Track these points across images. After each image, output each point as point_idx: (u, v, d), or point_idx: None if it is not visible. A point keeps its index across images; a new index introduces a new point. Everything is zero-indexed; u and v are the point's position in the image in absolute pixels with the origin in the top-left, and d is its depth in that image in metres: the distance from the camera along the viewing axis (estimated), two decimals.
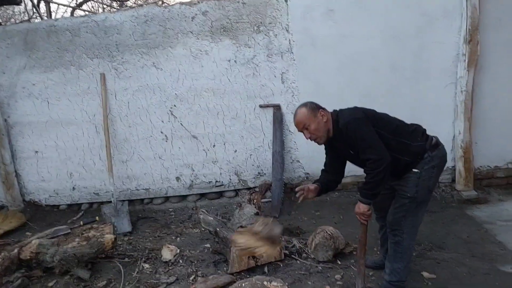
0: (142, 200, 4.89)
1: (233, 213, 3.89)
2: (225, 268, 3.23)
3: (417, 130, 2.58)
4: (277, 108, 4.59)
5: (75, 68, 4.54)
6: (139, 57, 4.51)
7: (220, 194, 4.88)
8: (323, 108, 2.58)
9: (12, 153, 4.71)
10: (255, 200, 3.75)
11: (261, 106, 4.59)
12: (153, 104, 4.61)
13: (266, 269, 3.17)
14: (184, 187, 4.85)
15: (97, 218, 4.16)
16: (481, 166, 4.54)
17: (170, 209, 4.74)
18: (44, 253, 3.16)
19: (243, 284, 2.31)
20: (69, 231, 3.32)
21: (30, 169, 4.79)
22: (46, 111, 4.63)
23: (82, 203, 4.90)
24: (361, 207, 2.44)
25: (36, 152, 4.73)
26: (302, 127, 2.55)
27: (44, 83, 4.57)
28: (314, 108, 2.54)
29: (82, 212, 4.77)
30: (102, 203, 4.73)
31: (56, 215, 4.80)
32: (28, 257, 3.16)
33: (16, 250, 3.15)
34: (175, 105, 4.62)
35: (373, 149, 2.34)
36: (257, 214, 3.53)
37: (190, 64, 4.51)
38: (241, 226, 3.26)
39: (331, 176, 2.80)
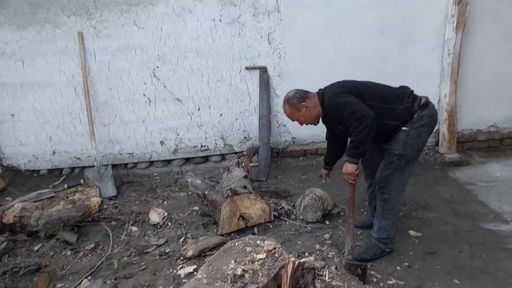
0: (125, 164, 4.80)
1: (221, 177, 3.87)
2: (214, 230, 3.23)
3: (403, 93, 2.59)
4: (263, 70, 4.49)
5: (51, 26, 4.27)
6: (118, 15, 4.27)
7: (206, 159, 4.84)
8: (306, 96, 2.64)
9: None
10: (243, 164, 3.72)
11: (247, 68, 4.48)
12: (134, 65, 4.43)
13: (256, 230, 3.19)
14: (169, 152, 4.77)
15: (82, 181, 4.05)
16: (463, 130, 4.63)
17: (155, 174, 4.67)
18: (28, 217, 3.08)
19: (236, 244, 2.30)
20: (53, 194, 3.23)
21: (7, 133, 4.58)
22: (21, 72, 4.38)
23: (63, 168, 4.76)
24: (349, 167, 2.44)
25: (13, 115, 4.52)
26: (292, 120, 2.74)
27: (17, 41, 4.29)
28: (296, 103, 2.63)
29: (64, 177, 4.64)
30: (84, 167, 4.61)
31: (37, 180, 4.65)
32: (12, 221, 3.08)
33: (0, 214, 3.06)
34: (157, 66, 4.45)
35: (356, 110, 2.37)
36: (245, 177, 3.51)
37: (173, 23, 4.31)
38: (230, 189, 3.24)
39: (335, 146, 2.94)
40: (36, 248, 3.12)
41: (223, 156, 4.80)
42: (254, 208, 3.24)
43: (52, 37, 4.31)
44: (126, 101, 4.54)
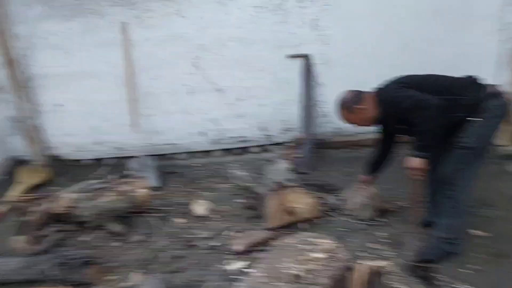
0: (165, 155, 4.80)
1: (263, 169, 3.78)
2: (260, 224, 3.16)
3: (471, 82, 2.41)
4: (307, 58, 4.33)
5: (95, 17, 4.28)
6: (161, 5, 4.22)
7: (246, 150, 4.76)
8: (361, 97, 2.52)
9: (34, 106, 4.58)
10: (288, 156, 3.62)
11: (290, 56, 4.33)
12: (176, 55, 4.37)
13: (303, 225, 3.09)
14: (209, 142, 4.73)
15: (129, 172, 4.06)
16: None
17: (196, 165, 4.64)
18: (79, 208, 3.11)
19: (290, 240, 2.22)
20: (103, 185, 3.25)
21: (52, 123, 4.66)
22: (66, 63, 4.42)
23: (105, 158, 4.82)
24: (415, 162, 2.29)
25: (58, 105, 4.59)
26: (349, 123, 2.67)
27: (63, 33, 4.33)
28: (351, 106, 2.52)
29: (106, 166, 4.70)
30: (125, 158, 4.65)
31: (80, 170, 4.71)
32: (63, 211, 3.12)
33: (51, 204, 3.10)
34: (199, 56, 4.38)
35: (420, 101, 2.24)
36: (290, 170, 3.41)
37: (215, 11, 4.22)
38: (276, 182, 3.15)
39: (385, 149, 2.84)
40: (85, 238, 3.16)
41: (263, 147, 4.71)
42: (301, 202, 3.14)
43: (96, 27, 4.32)
44: (168, 91, 4.51)
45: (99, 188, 3.22)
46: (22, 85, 4.44)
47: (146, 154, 4.54)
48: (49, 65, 4.46)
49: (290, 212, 3.09)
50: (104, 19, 4.29)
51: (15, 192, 3.98)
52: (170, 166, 4.63)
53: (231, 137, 4.68)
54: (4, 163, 4.65)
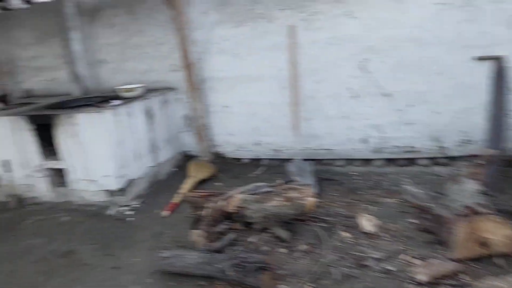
0: (321, 160, 4.67)
1: (445, 187, 3.31)
2: (442, 251, 2.75)
3: None
4: (499, 61, 3.68)
5: (265, 21, 4.39)
6: (331, 6, 4.10)
7: (412, 161, 4.32)
8: None
9: (204, 107, 4.95)
10: (476, 175, 3.10)
11: (477, 58, 3.74)
12: (342, 57, 4.21)
13: (502, 261, 2.58)
14: (370, 150, 4.43)
15: (290, 176, 4.05)
16: None
17: (354, 173, 4.39)
18: (247, 209, 3.18)
19: (497, 283, 1.82)
20: (270, 189, 3.27)
21: (218, 123, 4.99)
22: (236, 67, 4.66)
23: (262, 159, 4.94)
24: None
25: (225, 106, 4.87)
26: None
27: (234, 38, 4.57)
28: None
29: (264, 167, 4.80)
30: (282, 160, 4.68)
31: (240, 168, 4.94)
32: (233, 211, 3.22)
33: (223, 202, 3.24)
34: (367, 58, 4.12)
35: None
36: (481, 192, 2.89)
37: (391, 11, 3.90)
38: (467, 206, 2.70)
39: None
40: (251, 239, 3.21)
41: (434, 160, 4.20)
42: (498, 233, 2.62)
43: (264, 32, 4.44)
44: (330, 95, 4.37)
45: (268, 192, 3.24)
46: (196, 87, 4.83)
47: (303, 157, 4.49)
48: (220, 69, 4.75)
49: (483, 243, 2.61)
50: (273, 23, 4.37)
51: (186, 185, 4.34)
52: (327, 172, 4.48)
53: (396, 146, 4.29)
54: (176, 157, 5.15)
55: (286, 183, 3.47)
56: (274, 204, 3.13)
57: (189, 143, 5.18)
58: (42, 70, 5.69)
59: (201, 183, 4.53)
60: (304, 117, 4.50)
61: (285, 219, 3.19)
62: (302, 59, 4.32)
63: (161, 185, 4.63)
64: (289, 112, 4.43)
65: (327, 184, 4.24)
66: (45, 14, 5.53)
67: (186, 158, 5.19)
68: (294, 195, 3.13)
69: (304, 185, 3.34)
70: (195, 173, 4.61)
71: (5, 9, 5.79)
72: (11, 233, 3.89)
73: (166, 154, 4.92)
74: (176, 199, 4.09)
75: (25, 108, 4.56)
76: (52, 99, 4.97)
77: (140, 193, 4.34)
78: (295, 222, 3.28)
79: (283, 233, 3.16)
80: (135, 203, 4.16)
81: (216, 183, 4.51)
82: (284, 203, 3.11)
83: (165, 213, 3.90)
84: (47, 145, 4.23)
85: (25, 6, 5.68)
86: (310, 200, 3.10)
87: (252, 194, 3.28)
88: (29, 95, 5.82)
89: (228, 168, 4.98)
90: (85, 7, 5.27)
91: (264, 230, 3.25)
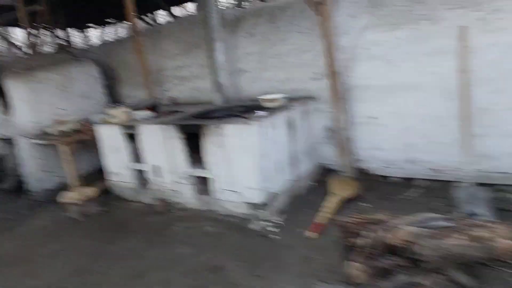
0: (493, 185, 3.89)
1: None
2: None
3: None
4: None
5: (427, 23, 3.83)
6: None
7: None
8: None
9: (349, 118, 4.56)
10: None
11: None
12: None
13: None
14: None
15: (475, 212, 3.39)
16: None
17: None
18: (419, 244, 2.69)
19: None
20: (448, 223, 2.73)
21: (364, 136, 4.55)
22: (388, 74, 4.18)
23: (416, 178, 4.34)
24: None
25: (372, 118, 4.42)
26: None
27: (388, 42, 4.10)
28: None
29: (418, 188, 4.21)
30: (442, 181, 4.03)
31: (388, 187, 4.42)
32: (399, 244, 2.77)
33: (386, 233, 2.82)
34: None
35: None
36: None
37: None
38: None
39: None
40: (419, 280, 2.72)
41: None
42: None
43: (426, 35, 3.88)
44: (510, 108, 3.61)
45: (445, 227, 2.71)
46: (340, 96, 4.47)
47: (472, 181, 3.78)
48: (368, 77, 4.32)
49: None
50: (438, 25, 3.79)
51: (330, 204, 4.01)
52: (504, 200, 3.71)
53: None
54: (315, 170, 4.86)
55: (469, 217, 2.88)
56: (455, 242, 2.60)
57: (328, 155, 4.84)
58: (187, 79, 5.96)
59: (346, 202, 4.14)
60: (475, 133, 3.79)
61: (468, 262, 2.63)
62: (476, 65, 3.63)
63: (301, 200, 4.38)
64: (456, 127, 3.77)
65: (504, 214, 3.49)
66: (190, 26, 5.78)
67: (325, 172, 4.86)
68: (482, 235, 2.55)
69: (493, 222, 2.72)
70: (338, 191, 4.25)
71: (154, 21, 6.24)
72: (160, 238, 4.04)
73: (305, 167, 4.67)
74: (321, 219, 3.79)
75: (174, 117, 4.75)
76: (196, 107, 5.13)
77: (281, 208, 4.16)
78: (481, 266, 2.69)
79: (462, 277, 2.61)
80: (277, 219, 3.98)
81: (362, 204, 4.09)
82: (469, 242, 2.55)
83: (310, 234, 3.62)
84: (194, 153, 4.32)
85: (170, 19, 6.03)
86: (504, 242, 2.49)
87: (423, 227, 2.79)
88: (174, 103, 6.15)
89: (374, 186, 4.49)
90: (228, 17, 5.33)
91: (437, 271, 2.73)
